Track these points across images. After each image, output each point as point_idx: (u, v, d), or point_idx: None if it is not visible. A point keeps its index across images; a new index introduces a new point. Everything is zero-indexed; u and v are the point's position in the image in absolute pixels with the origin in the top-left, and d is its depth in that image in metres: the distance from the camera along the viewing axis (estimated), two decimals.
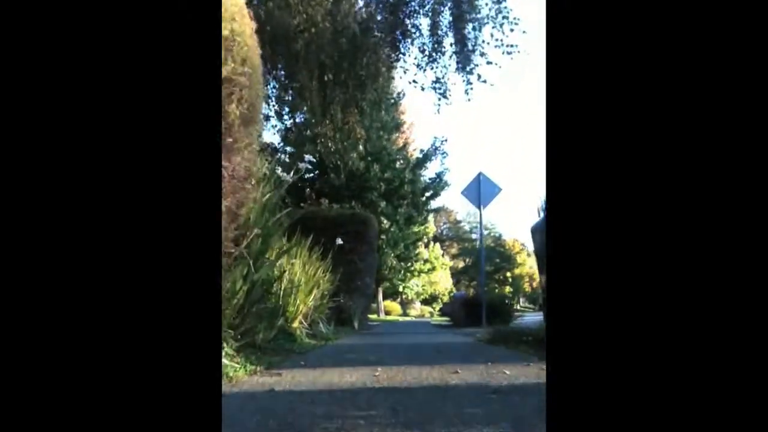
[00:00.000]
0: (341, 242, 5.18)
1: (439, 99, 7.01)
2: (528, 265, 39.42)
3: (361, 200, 13.45)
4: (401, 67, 7.05)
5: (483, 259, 8.77)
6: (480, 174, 8.84)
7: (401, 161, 15.26)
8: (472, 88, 6.74)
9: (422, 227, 18.22)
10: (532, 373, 2.21)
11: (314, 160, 12.61)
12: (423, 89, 7.06)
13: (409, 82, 7.13)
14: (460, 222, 42.34)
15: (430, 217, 22.19)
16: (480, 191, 8.70)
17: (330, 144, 7.62)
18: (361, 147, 12.33)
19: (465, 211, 38.75)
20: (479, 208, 8.57)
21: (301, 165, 4.04)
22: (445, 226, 42.44)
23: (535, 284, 37.39)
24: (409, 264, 20.30)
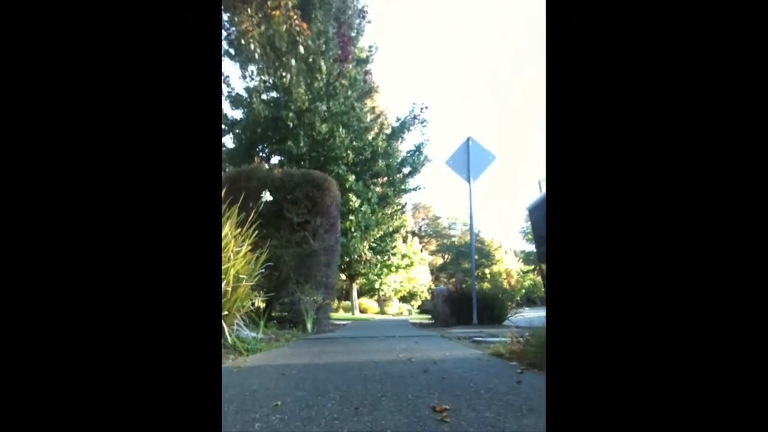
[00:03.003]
0: (269, 199, 3.27)
1: None
2: (505, 262, 38.60)
3: (326, 173, 11.07)
4: None
5: (473, 242, 7.00)
6: (469, 139, 7.16)
7: (374, 132, 12.59)
8: None
9: (399, 215, 16.16)
10: None
11: (267, 114, 10.12)
12: None
13: None
14: (438, 218, 41.34)
15: (408, 210, 20.36)
16: (469, 159, 7.03)
17: (268, 60, 5.34)
18: (323, 107, 10.13)
19: (446, 195, 37.63)
20: (468, 180, 6.87)
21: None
22: (423, 222, 41.36)
23: (512, 281, 36.32)
24: (386, 258, 18.35)
